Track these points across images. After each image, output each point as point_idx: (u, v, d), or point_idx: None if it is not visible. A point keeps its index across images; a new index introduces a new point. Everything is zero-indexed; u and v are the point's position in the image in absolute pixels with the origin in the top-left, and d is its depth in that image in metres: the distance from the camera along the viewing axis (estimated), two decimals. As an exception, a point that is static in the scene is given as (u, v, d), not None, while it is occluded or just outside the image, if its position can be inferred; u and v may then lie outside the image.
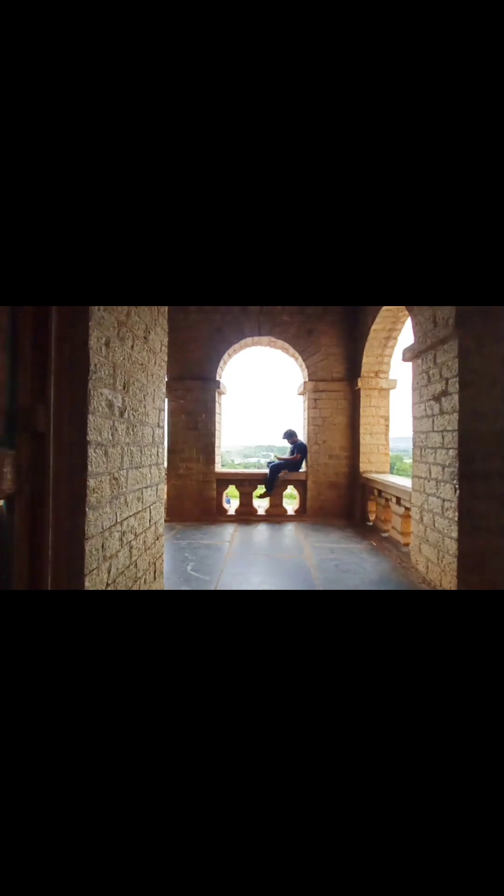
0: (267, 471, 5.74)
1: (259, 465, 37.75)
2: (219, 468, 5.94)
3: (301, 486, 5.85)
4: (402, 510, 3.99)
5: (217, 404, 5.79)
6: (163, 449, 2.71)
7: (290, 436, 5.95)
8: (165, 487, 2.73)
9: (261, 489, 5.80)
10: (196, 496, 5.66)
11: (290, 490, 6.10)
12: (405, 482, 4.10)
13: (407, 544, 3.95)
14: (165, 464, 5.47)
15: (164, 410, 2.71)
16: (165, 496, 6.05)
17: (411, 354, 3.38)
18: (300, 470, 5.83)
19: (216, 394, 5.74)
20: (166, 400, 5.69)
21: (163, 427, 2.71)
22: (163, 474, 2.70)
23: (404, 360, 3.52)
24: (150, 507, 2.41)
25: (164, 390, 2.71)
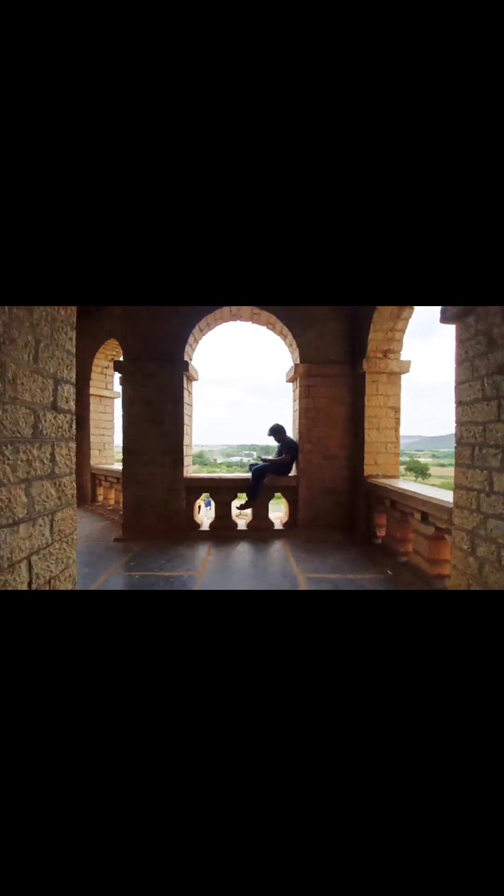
0: (249, 475, 4.62)
1: (243, 465, 36.46)
2: (189, 472, 4.78)
3: (291, 493, 4.77)
4: (431, 530, 2.96)
5: (186, 392, 4.63)
6: (69, 449, 1.56)
7: (276, 432, 4.85)
8: (74, 514, 1.50)
9: (242, 498, 4.69)
10: (160, 508, 4.49)
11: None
12: (436, 493, 3.08)
13: (440, 576, 2.92)
14: (122, 467, 4.21)
15: (71, 384, 1.57)
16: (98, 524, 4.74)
17: (458, 311, 2.35)
18: (290, 473, 4.74)
19: (185, 379, 4.56)
20: (121, 387, 4.49)
21: (69, 411, 1.56)
22: (69, 495, 1.55)
23: (443, 321, 2.49)
24: (28, 558, 1.26)
25: (70, 348, 1.57)
